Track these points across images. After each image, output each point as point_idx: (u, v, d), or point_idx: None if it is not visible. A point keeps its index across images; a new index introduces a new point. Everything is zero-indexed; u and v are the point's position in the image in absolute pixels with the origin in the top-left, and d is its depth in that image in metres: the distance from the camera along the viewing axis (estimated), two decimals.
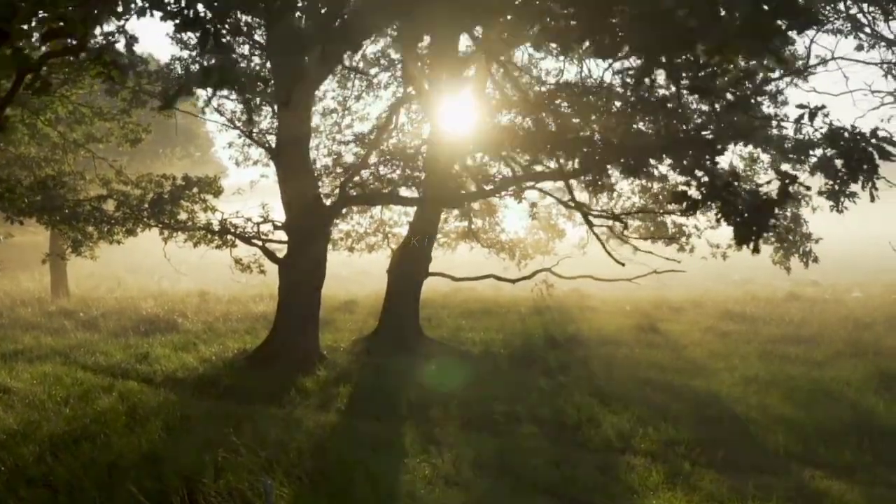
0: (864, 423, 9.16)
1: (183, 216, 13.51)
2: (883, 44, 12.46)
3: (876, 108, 16.12)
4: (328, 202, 13.48)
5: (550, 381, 11.88)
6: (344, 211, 19.26)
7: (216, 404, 10.02)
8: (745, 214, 3.39)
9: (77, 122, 14.95)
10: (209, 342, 14.70)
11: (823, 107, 3.89)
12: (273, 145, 13.23)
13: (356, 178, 13.28)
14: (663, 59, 3.62)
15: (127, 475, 6.78)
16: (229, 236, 13.64)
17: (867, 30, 12.51)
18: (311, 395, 10.94)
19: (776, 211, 3.55)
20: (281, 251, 13.42)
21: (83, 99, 14.74)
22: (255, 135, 13.88)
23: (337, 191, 13.39)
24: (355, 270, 29.96)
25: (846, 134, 4.15)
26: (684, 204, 3.69)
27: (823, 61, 13.74)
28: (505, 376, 12.27)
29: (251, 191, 19.54)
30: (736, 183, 3.75)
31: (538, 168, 12.07)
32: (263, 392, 10.87)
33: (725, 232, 17.03)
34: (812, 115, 4.34)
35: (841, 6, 13.32)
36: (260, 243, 13.15)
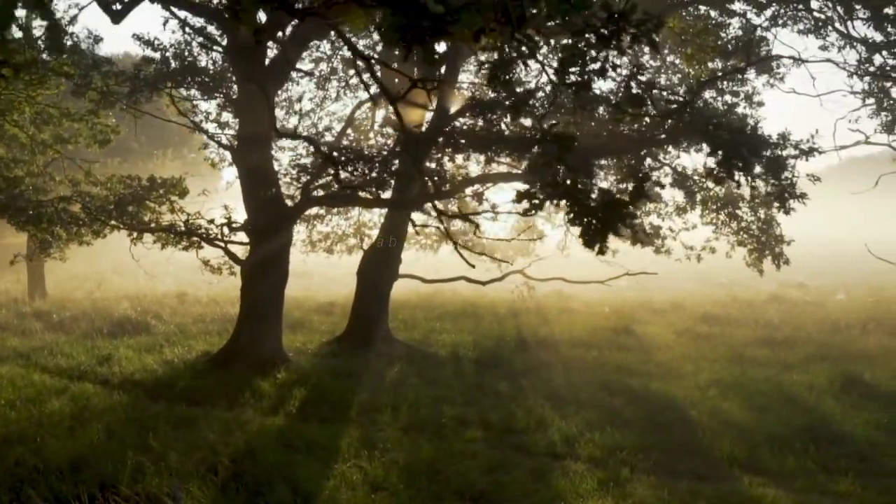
0: (816, 429, 9.01)
1: (147, 217, 13.47)
2: (850, 43, 12.29)
3: (857, 110, 15.90)
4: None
5: (510, 384, 11.76)
6: (323, 212, 19.23)
7: (165, 407, 9.94)
8: (599, 214, 3.28)
9: (45, 122, 14.91)
10: (176, 344, 14.61)
11: (689, 102, 3.76)
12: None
13: (322, 180, 13.17)
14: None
15: (48, 480, 6.72)
16: (194, 238, 13.57)
17: (839, 29, 12.35)
18: (265, 397, 10.84)
19: (628, 210, 3.44)
20: (246, 253, 13.34)
21: (50, 100, 14.69)
22: (219, 135, 13.82)
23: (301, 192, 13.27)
24: (342, 272, 29.86)
25: (724, 132, 4.01)
26: (529, 203, 3.57)
27: (774, 57, 13.50)
28: (466, 379, 12.16)
29: (227, 192, 19.53)
30: (587, 181, 3.63)
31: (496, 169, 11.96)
32: (218, 394, 10.78)
33: (701, 234, 16.99)
34: (680, 110, 4.22)
35: (813, 4, 13.19)
36: (223, 245, 13.07)
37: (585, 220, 3.35)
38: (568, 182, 3.44)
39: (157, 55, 13.49)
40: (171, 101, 13.76)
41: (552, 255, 21.46)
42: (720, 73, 12.21)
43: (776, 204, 9.05)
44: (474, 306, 20.68)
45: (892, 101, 12.18)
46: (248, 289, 12.86)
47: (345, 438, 8.40)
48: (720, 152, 3.62)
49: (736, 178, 3.72)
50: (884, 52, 11.43)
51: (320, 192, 13.22)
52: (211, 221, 13.08)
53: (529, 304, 20.53)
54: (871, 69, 11.78)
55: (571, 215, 3.45)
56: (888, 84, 11.86)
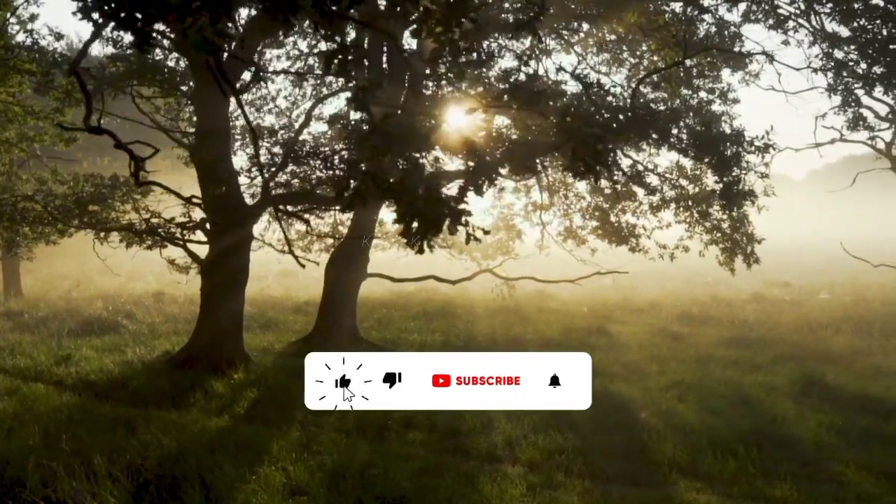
0: (765, 432, 8.83)
1: (107, 215, 13.37)
2: (815, 40, 12.06)
3: (835, 108, 15.64)
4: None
5: None
6: (300, 210, 19.08)
7: (111, 408, 9.82)
8: (423, 212, 3.12)
9: (9, 121, 14.82)
10: (142, 344, 14.50)
11: (543, 92, 3.62)
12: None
13: (283, 178, 13.02)
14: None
15: None
16: (156, 236, 13.44)
17: (803, 24, 12.13)
18: (216, 398, 10.72)
19: (459, 208, 3.27)
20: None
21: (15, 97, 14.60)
22: (178, 133, 13.71)
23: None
24: None
25: (577, 124, 3.85)
26: (348, 198, 3.42)
27: (711, 48, 13.20)
28: None
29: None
30: (415, 176, 3.47)
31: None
32: (169, 395, 10.65)
33: (675, 233, 16.78)
34: (535, 99, 4.06)
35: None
36: (181, 243, 12.94)
37: (408, 218, 3.19)
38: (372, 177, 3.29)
39: (117, 52, 13.38)
40: (132, 99, 13.67)
41: (532, 253, 21.27)
42: (644, 71, 12.02)
43: (723, 202, 8.89)
44: (453, 306, 20.56)
45: (854, 97, 11.92)
46: (208, 288, 12.75)
47: (280, 440, 8.25)
48: (571, 146, 3.47)
49: (597, 173, 3.54)
50: (846, 47, 11.20)
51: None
52: (171, 220, 12.96)
53: (509, 303, 20.36)
54: (831, 65, 11.54)
55: (397, 213, 3.29)
56: (852, 80, 11.63)
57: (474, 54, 3.88)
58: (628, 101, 14.44)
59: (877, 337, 14.73)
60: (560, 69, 13.32)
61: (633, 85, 17.80)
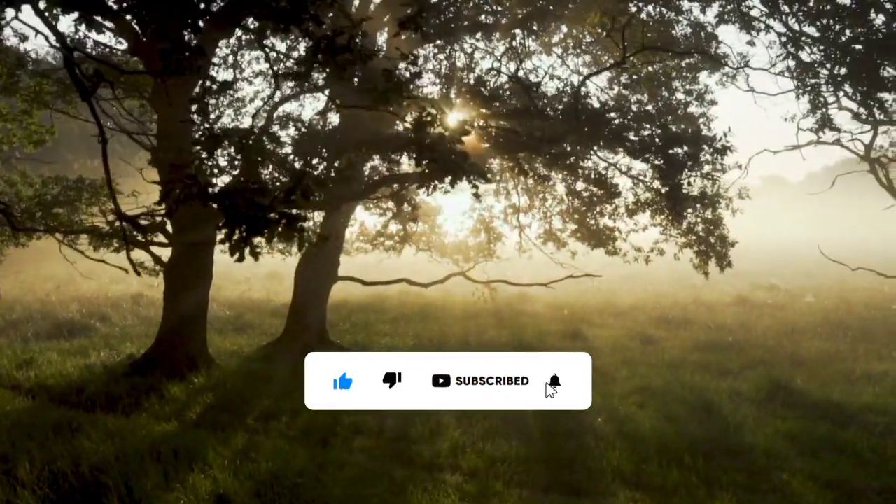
0: (718, 440, 8.64)
1: (68, 218, 13.26)
2: (783, 42, 11.85)
3: (808, 111, 15.40)
4: None
5: None
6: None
7: (60, 413, 9.68)
8: (244, 219, 2.97)
9: None
10: (109, 347, 14.38)
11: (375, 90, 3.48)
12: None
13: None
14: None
15: None
16: (121, 239, 13.32)
17: (768, 24, 11.93)
18: (172, 402, 10.58)
19: (291, 213, 3.13)
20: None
21: None
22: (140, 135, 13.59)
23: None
24: None
25: (429, 138, 3.69)
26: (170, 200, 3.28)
27: (658, 48, 12.92)
28: None
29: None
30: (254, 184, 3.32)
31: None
32: (123, 400, 10.55)
33: (652, 235, 16.57)
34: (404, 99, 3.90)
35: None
36: (143, 244, 12.82)
37: (233, 223, 3.04)
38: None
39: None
40: (96, 101, 13.51)
41: (513, 256, 21.09)
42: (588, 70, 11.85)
43: (668, 204, 8.70)
44: (432, 308, 20.43)
45: (822, 99, 11.70)
46: (171, 291, 12.62)
47: (219, 447, 8.08)
48: (424, 161, 3.30)
49: (448, 179, 3.37)
50: (812, 49, 11.00)
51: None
52: (132, 220, 12.80)
53: (489, 306, 20.19)
54: (794, 65, 11.34)
55: (225, 220, 3.15)
56: (819, 82, 11.41)
57: (348, 52, 3.74)
58: (611, 102, 14.26)
59: (849, 342, 14.51)
60: (493, 69, 13.17)
61: (618, 86, 17.71)
